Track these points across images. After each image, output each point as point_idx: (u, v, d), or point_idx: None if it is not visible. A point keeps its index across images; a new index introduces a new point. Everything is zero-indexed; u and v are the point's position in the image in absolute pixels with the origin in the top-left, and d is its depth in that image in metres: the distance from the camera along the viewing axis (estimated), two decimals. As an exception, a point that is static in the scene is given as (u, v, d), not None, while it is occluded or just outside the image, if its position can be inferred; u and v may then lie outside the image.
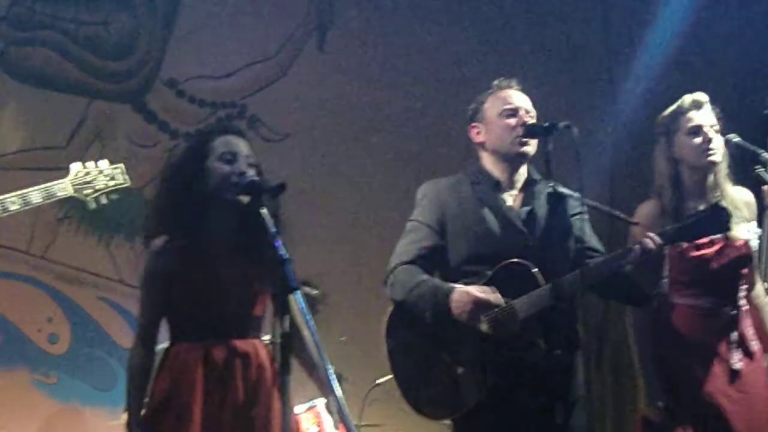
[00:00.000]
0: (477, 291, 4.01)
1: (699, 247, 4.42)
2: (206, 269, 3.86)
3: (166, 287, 3.86)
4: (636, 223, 4.38)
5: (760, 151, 4.86)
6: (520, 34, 8.18)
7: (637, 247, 4.02)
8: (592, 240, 4.27)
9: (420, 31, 8.04)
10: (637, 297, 4.30)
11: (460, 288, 4.04)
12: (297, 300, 3.36)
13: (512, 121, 4.25)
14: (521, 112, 4.26)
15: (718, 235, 4.31)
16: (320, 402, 6.03)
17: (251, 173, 3.87)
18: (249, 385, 3.84)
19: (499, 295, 4.00)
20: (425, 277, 4.15)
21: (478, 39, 8.07)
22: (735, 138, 4.67)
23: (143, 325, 3.91)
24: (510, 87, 4.38)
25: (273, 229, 3.51)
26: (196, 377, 3.79)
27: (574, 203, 4.21)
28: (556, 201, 4.18)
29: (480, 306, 3.99)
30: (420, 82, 7.97)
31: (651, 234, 4.04)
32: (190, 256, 3.85)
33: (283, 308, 3.36)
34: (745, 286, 4.53)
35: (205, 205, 3.88)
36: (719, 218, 4.06)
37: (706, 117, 4.52)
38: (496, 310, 4.01)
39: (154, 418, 3.80)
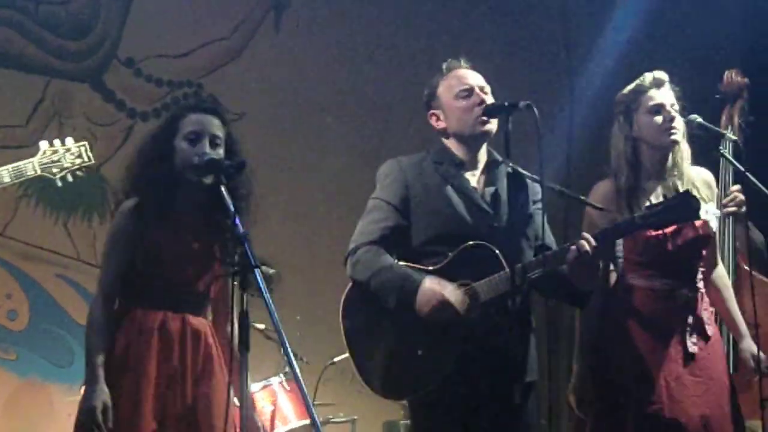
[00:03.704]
0: (447, 293, 3.97)
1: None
2: (171, 240, 3.90)
3: (130, 248, 3.89)
4: (601, 208, 4.27)
5: (724, 131, 4.82)
6: (479, 14, 8.23)
7: (573, 247, 3.94)
8: (547, 235, 4.19)
9: (376, 11, 8.08)
10: (576, 297, 4.24)
11: (430, 284, 3.99)
12: (256, 278, 3.40)
13: (469, 101, 4.19)
14: (476, 90, 4.20)
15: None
16: (275, 380, 6.06)
17: (217, 153, 3.91)
18: (198, 362, 3.89)
19: (465, 303, 3.96)
20: (391, 261, 4.09)
21: (435, 18, 8.10)
22: (697, 119, 4.53)
23: (105, 282, 3.92)
24: (460, 66, 4.31)
25: (232, 207, 3.55)
26: (151, 342, 3.83)
27: (536, 188, 4.18)
28: (518, 183, 4.17)
29: (445, 307, 3.95)
30: (375, 62, 8.00)
31: (586, 235, 3.96)
32: (156, 223, 3.88)
33: (242, 286, 3.41)
34: (702, 269, 4.43)
35: (172, 181, 3.92)
36: (689, 206, 3.98)
37: (666, 96, 4.43)
38: (459, 291, 3.99)
39: (112, 376, 3.80)
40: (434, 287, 3.98)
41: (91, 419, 3.71)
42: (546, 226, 4.16)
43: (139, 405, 3.78)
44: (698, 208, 4.01)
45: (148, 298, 3.91)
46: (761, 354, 4.50)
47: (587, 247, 3.92)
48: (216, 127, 3.98)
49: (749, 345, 4.53)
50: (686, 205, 3.98)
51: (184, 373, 3.86)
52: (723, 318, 4.60)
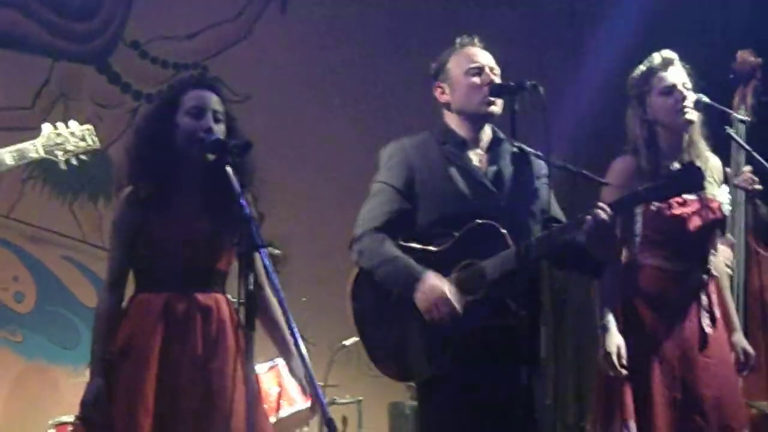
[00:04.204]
0: (447, 289, 3.95)
1: (677, 206, 4.35)
2: (171, 221, 3.88)
3: (132, 235, 3.88)
4: (606, 183, 4.26)
5: (731, 111, 4.82)
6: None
7: (588, 216, 3.91)
8: (556, 209, 4.21)
9: (382, -7, 8.08)
10: (590, 267, 4.19)
11: (431, 279, 3.98)
12: (262, 258, 3.38)
13: (478, 80, 4.16)
14: (486, 70, 4.17)
15: (692, 196, 4.27)
16: (281, 361, 6.05)
17: (219, 129, 3.89)
18: (209, 339, 3.86)
19: (460, 304, 3.94)
20: (396, 253, 4.08)
21: (442, 1, 8.11)
22: (704, 98, 4.49)
23: (111, 271, 3.92)
24: (473, 44, 4.28)
25: (238, 187, 3.53)
26: (156, 327, 3.82)
27: (540, 164, 4.16)
28: (522, 161, 4.15)
29: (443, 304, 3.94)
30: (383, 43, 8.01)
31: (602, 204, 3.92)
32: (155, 207, 3.87)
33: (247, 266, 3.38)
34: (713, 251, 4.48)
35: (173, 159, 3.90)
36: (694, 177, 3.93)
37: (678, 75, 4.45)
38: (466, 271, 3.99)
39: (113, 365, 3.80)
40: (434, 283, 3.97)
41: (85, 412, 3.76)
42: (553, 199, 4.16)
43: (138, 394, 3.76)
44: (703, 179, 3.99)
45: (151, 281, 3.90)
46: (749, 349, 4.54)
47: (603, 216, 3.89)
48: (216, 102, 3.96)
49: (739, 338, 4.57)
50: (691, 175, 3.94)
51: (193, 352, 3.84)
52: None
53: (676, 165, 4.28)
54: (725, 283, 4.65)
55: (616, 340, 4.37)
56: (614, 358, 4.33)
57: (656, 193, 4.00)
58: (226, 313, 3.93)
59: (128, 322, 3.86)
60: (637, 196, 4.02)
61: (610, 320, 4.40)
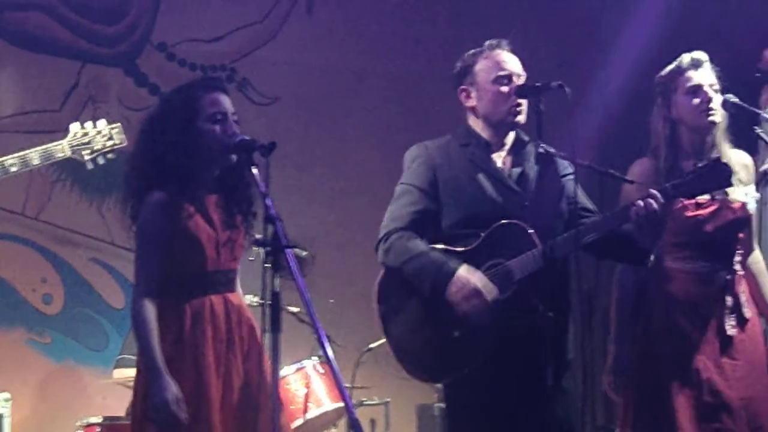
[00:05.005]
0: (479, 281, 3.95)
1: (695, 208, 4.33)
2: (199, 223, 3.89)
3: (164, 241, 3.87)
4: (631, 182, 4.25)
5: (760, 111, 4.76)
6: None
7: (639, 203, 3.88)
8: (584, 200, 4.20)
9: (408, -5, 8.08)
10: (637, 255, 4.16)
11: (463, 272, 3.97)
12: (287, 259, 3.38)
13: (506, 88, 4.15)
14: (514, 78, 4.16)
15: (717, 195, 4.24)
16: (308, 363, 6.07)
17: (238, 131, 3.90)
18: (244, 337, 3.92)
19: (491, 295, 3.94)
20: (424, 248, 4.08)
21: (468, 3, 8.07)
22: (732, 98, 4.45)
23: (147, 277, 3.88)
24: (502, 48, 4.25)
25: (263, 188, 3.53)
26: (206, 329, 3.84)
27: (564, 164, 4.16)
28: (546, 162, 4.13)
29: (476, 296, 3.93)
30: (409, 45, 7.98)
31: (654, 192, 3.90)
32: (185, 210, 3.88)
33: (274, 267, 3.39)
34: (740, 251, 4.43)
35: (197, 164, 3.91)
36: (721, 173, 3.91)
37: (705, 76, 4.40)
38: (492, 271, 3.99)
39: (171, 369, 3.78)
40: (469, 276, 3.96)
41: (166, 412, 3.71)
42: (581, 191, 4.14)
43: (205, 392, 3.79)
44: (730, 175, 3.94)
45: (193, 287, 3.90)
46: None
47: (655, 204, 3.87)
48: (230, 104, 3.97)
49: None
50: (718, 172, 3.91)
51: (234, 352, 3.88)
52: (757, 305, 4.54)
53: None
54: (762, 280, 4.57)
55: (623, 363, 4.44)
56: (613, 381, 4.44)
57: (681, 190, 3.96)
58: (249, 312, 4.00)
59: (174, 327, 3.86)
60: (664, 192, 3.94)
61: (623, 337, 4.48)
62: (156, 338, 3.80)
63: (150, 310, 3.83)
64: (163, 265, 3.89)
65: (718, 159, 4.04)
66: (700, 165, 3.99)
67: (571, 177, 4.12)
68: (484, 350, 3.98)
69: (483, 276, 3.97)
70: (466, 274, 3.96)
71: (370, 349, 6.20)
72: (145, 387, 3.81)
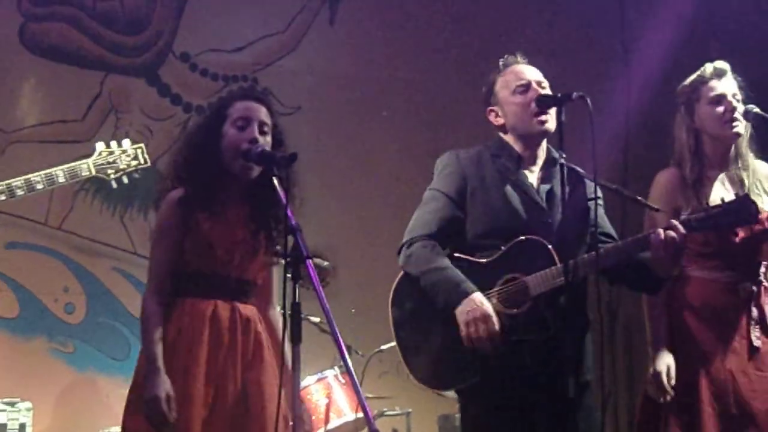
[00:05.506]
0: (490, 309, 3.95)
1: None
2: (219, 229, 3.91)
3: (178, 238, 3.91)
4: (657, 209, 4.16)
5: None
6: (533, 4, 8.20)
7: (660, 233, 3.88)
8: (607, 226, 4.20)
9: (431, 3, 8.07)
10: (650, 283, 4.15)
11: (478, 296, 3.96)
12: (308, 269, 3.38)
13: (526, 97, 4.16)
14: (533, 85, 4.17)
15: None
16: (330, 373, 6.07)
17: (265, 140, 3.93)
18: (248, 350, 3.93)
19: (498, 326, 3.93)
20: (446, 263, 4.07)
21: (490, 10, 8.08)
22: (754, 109, 4.43)
23: (155, 274, 3.94)
24: (517, 62, 4.29)
25: (284, 199, 3.54)
26: (203, 331, 3.86)
27: (592, 186, 4.12)
28: (576, 182, 4.13)
29: (483, 321, 3.92)
30: (431, 54, 7.99)
31: (676, 223, 3.88)
32: (203, 212, 3.90)
33: (294, 277, 3.40)
34: (765, 262, 4.41)
35: (219, 167, 3.94)
36: (747, 210, 3.89)
37: (728, 86, 4.42)
38: (508, 285, 4.00)
39: (164, 364, 3.81)
40: (478, 302, 3.96)
41: (156, 409, 3.73)
42: (603, 216, 4.16)
43: (190, 392, 3.81)
44: (757, 213, 3.94)
45: (198, 287, 3.93)
46: None
47: (675, 236, 3.86)
48: (264, 114, 4.01)
49: None
50: (745, 208, 3.91)
51: (234, 359, 3.89)
52: None
53: (723, 179, 4.28)
54: None
55: (666, 360, 4.36)
56: (663, 377, 4.31)
57: (707, 224, 3.93)
58: (260, 326, 3.99)
59: (174, 324, 3.89)
60: (686, 225, 3.91)
61: (662, 338, 4.39)
62: (158, 334, 3.83)
63: (156, 305, 3.88)
64: (175, 262, 3.92)
65: (747, 196, 4.03)
66: (727, 201, 3.96)
67: (600, 203, 4.14)
68: (491, 360, 3.97)
69: (492, 307, 3.96)
70: (477, 299, 3.97)
71: (380, 351, 6.18)
72: (142, 377, 3.84)
